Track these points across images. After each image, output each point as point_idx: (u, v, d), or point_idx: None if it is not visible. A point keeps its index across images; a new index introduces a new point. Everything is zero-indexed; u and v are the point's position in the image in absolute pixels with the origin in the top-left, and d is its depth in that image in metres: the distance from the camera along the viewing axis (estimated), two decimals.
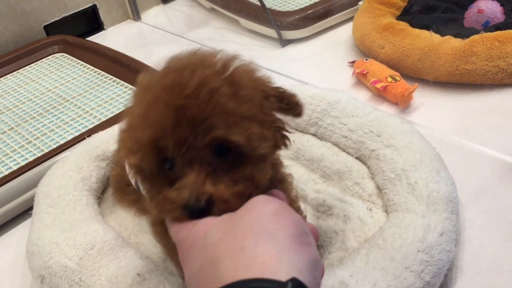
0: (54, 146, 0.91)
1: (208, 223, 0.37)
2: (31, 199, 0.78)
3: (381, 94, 0.95)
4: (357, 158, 0.77)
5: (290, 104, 0.46)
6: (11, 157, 0.91)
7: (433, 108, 0.92)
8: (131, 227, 0.72)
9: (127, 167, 0.47)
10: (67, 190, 0.74)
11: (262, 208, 0.36)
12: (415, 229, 0.59)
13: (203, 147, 0.39)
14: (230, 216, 0.37)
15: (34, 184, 0.80)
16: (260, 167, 0.42)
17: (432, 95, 0.95)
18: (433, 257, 0.57)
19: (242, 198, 0.39)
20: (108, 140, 0.83)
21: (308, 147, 0.79)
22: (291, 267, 0.32)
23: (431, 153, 0.70)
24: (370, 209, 0.68)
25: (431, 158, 0.69)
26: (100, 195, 0.79)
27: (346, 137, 0.78)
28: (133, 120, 0.41)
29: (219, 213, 0.38)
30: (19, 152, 0.92)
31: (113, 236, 0.65)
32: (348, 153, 0.78)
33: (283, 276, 0.31)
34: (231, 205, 0.39)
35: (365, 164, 0.75)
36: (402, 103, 0.91)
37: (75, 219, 0.69)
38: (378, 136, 0.75)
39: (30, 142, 0.94)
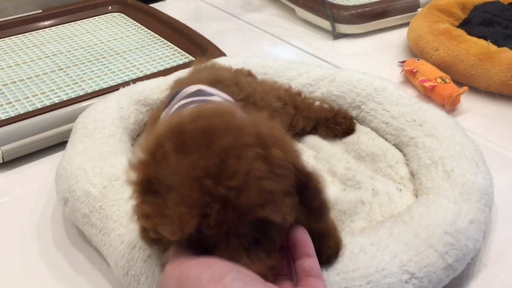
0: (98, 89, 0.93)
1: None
2: (69, 131, 0.79)
3: (428, 94, 0.93)
4: (394, 145, 0.76)
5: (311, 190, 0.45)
6: (56, 93, 0.94)
7: (479, 116, 0.90)
8: None
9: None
10: (104, 124, 0.75)
11: None
12: (445, 212, 0.58)
13: (242, 225, 0.39)
14: None
15: (73, 118, 0.82)
16: (285, 230, 0.43)
17: (481, 103, 0.93)
18: (460, 242, 0.55)
19: (275, 271, 0.41)
20: (152, 88, 0.85)
21: None
22: None
23: (473, 147, 0.68)
24: (400, 190, 0.66)
25: (472, 152, 0.67)
26: (135, 137, 0.80)
27: (387, 123, 0.77)
28: (165, 190, 0.39)
29: None
30: (64, 90, 0.94)
31: None
32: (386, 139, 0.77)
33: None
34: (267, 278, 0.39)
35: (402, 151, 0.74)
36: (449, 104, 0.89)
37: (106, 151, 0.70)
38: (420, 125, 0.73)
39: (76, 83, 0.97)
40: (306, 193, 0.43)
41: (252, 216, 0.38)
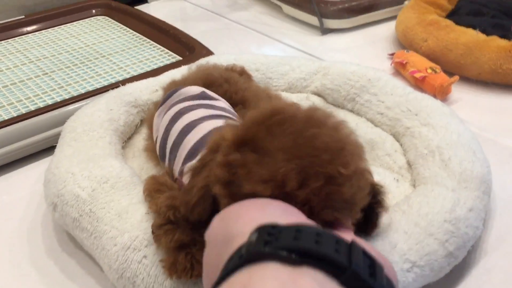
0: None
1: None
2: (57, 136, 0.77)
3: (419, 85, 0.93)
4: (391, 135, 0.75)
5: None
6: (41, 98, 0.91)
7: (471, 105, 0.89)
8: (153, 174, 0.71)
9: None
10: (93, 126, 0.73)
11: None
12: (444, 200, 0.57)
13: (317, 219, 0.38)
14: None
15: (60, 122, 0.80)
16: None
17: (472, 92, 0.92)
18: (460, 230, 0.54)
19: None
20: (141, 89, 0.83)
21: (342, 116, 0.78)
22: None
23: (469, 135, 0.67)
24: (397, 180, 0.65)
25: (469, 140, 0.66)
26: (126, 140, 0.78)
27: (382, 113, 0.77)
28: (276, 149, 0.38)
29: None
30: (49, 95, 0.92)
31: (129, 174, 0.64)
32: (382, 129, 0.76)
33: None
34: None
35: (399, 142, 0.73)
36: (440, 94, 0.88)
37: (95, 154, 0.68)
38: (416, 115, 0.72)
39: (62, 87, 0.95)
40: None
41: (332, 215, 0.38)
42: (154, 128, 0.70)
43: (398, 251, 0.51)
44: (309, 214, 0.37)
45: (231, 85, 0.72)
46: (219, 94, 0.70)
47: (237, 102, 0.71)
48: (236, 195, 0.40)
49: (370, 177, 0.43)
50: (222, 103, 0.68)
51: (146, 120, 0.76)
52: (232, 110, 0.67)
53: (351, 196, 0.38)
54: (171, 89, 0.70)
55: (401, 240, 0.53)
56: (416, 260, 0.51)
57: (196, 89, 0.69)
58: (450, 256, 0.53)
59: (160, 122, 0.68)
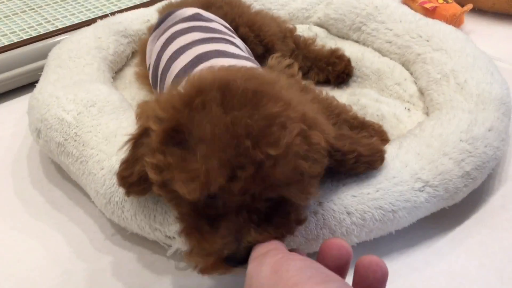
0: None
1: None
2: (42, 69, 0.72)
3: (429, 17, 0.87)
4: (400, 64, 0.70)
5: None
6: (27, 32, 0.86)
7: (485, 36, 0.84)
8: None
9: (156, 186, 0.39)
10: (79, 53, 0.68)
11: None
12: (460, 121, 0.52)
13: (261, 199, 0.36)
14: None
15: (45, 55, 0.75)
16: (301, 212, 0.40)
17: (486, 23, 0.87)
18: (477, 149, 0.50)
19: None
20: (132, 19, 0.78)
21: (347, 48, 0.73)
22: None
23: (486, 58, 0.63)
24: (409, 109, 0.61)
25: (486, 62, 0.61)
26: (117, 71, 0.73)
27: (390, 42, 0.71)
28: (196, 142, 0.35)
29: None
30: (36, 29, 0.86)
31: (118, 98, 0.60)
32: (390, 58, 0.71)
33: None
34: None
35: (408, 71, 0.68)
36: (453, 25, 0.82)
37: (81, 79, 0.63)
38: (427, 41, 0.67)
39: (49, 21, 0.89)
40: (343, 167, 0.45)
41: (276, 192, 0.36)
42: (147, 54, 0.65)
43: (409, 170, 0.48)
44: (252, 199, 0.36)
45: (233, 7, 0.67)
46: (219, 17, 0.65)
47: (242, 24, 0.67)
48: (174, 196, 0.38)
49: (318, 138, 0.38)
50: (218, 24, 0.63)
51: (140, 45, 0.71)
52: (228, 31, 0.62)
53: (292, 171, 0.35)
54: (167, 12, 0.65)
55: (413, 160, 0.48)
56: (428, 180, 0.47)
57: (190, 11, 0.64)
58: (467, 176, 0.49)
59: (153, 48, 0.63)
